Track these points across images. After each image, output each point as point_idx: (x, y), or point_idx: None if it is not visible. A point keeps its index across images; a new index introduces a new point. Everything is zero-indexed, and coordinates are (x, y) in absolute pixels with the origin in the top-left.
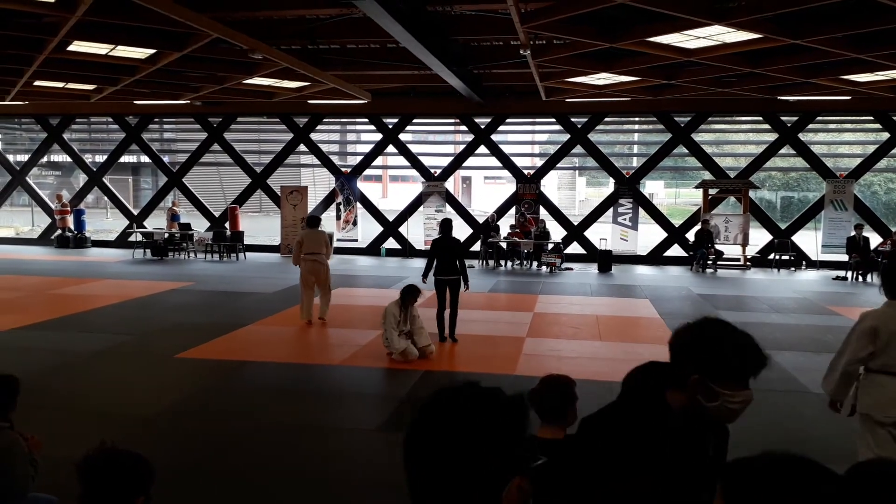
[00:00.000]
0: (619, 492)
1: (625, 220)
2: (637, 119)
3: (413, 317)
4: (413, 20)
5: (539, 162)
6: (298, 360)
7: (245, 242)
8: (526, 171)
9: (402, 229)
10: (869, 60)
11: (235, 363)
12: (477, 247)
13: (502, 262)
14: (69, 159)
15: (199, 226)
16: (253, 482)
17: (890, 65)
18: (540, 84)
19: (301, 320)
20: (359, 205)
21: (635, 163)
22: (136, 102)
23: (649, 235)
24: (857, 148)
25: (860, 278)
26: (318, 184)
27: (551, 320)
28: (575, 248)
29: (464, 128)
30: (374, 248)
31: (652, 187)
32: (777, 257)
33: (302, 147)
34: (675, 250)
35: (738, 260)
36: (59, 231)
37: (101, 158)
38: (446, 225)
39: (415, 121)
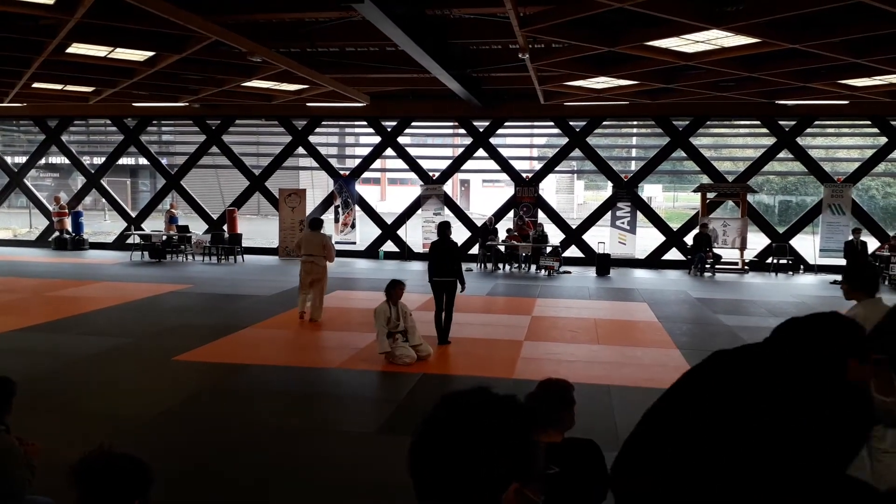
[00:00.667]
0: (625, 490)
1: (623, 223)
2: (635, 123)
3: (405, 314)
4: (412, 23)
5: (537, 165)
6: (296, 363)
7: (243, 245)
8: (524, 175)
9: (401, 232)
10: (867, 65)
11: (233, 366)
12: (475, 250)
13: (500, 266)
14: (67, 161)
15: (198, 228)
16: (251, 485)
17: (888, 69)
18: (538, 88)
19: (297, 310)
20: (357, 207)
21: (634, 166)
22: (134, 105)
23: (647, 239)
24: (855, 152)
25: None
26: (317, 186)
27: (549, 324)
28: (573, 251)
29: (462, 131)
30: (372, 251)
31: (650, 191)
32: (775, 261)
33: (300, 150)
34: (674, 254)
35: (736, 264)
36: (56, 233)
37: (99, 160)
38: (444, 228)
39: (413, 124)
